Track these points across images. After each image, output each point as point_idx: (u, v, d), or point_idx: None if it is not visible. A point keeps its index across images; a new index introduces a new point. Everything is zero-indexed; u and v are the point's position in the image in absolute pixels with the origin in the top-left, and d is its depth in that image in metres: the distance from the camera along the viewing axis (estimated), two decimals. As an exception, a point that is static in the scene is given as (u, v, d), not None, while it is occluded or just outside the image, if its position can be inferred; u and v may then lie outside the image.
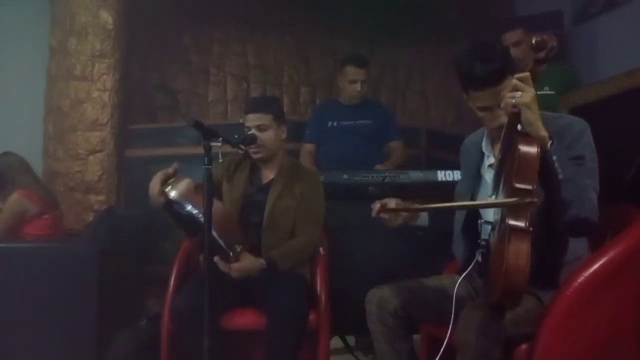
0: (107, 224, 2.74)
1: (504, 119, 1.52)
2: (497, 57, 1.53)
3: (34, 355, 2.28)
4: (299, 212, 2.15)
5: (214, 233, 1.79)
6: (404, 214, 1.65)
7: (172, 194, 1.81)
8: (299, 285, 2.03)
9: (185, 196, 1.80)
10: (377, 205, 1.59)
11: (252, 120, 2.17)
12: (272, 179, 2.20)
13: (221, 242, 1.88)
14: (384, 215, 1.60)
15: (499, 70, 1.51)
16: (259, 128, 2.15)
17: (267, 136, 2.16)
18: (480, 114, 1.60)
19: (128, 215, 3.04)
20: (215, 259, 1.87)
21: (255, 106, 2.22)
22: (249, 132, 2.14)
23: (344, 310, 2.03)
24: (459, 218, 1.74)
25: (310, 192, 2.19)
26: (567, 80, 2.82)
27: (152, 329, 2.13)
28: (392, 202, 1.60)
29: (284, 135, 2.24)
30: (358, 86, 3.08)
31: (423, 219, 1.73)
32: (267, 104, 2.24)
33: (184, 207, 1.82)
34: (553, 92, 2.76)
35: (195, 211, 1.79)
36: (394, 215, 1.62)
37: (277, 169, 2.22)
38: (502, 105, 1.47)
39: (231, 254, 1.91)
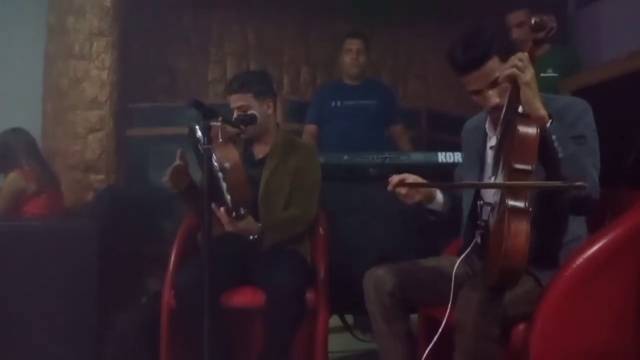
0: (106, 203, 2.74)
1: (496, 99, 1.53)
2: (479, 41, 1.53)
3: (34, 334, 2.30)
4: (294, 186, 2.13)
5: (224, 187, 1.78)
6: (423, 191, 1.64)
7: (198, 133, 1.78)
8: (298, 264, 2.04)
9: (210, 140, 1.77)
10: (394, 179, 1.58)
11: (233, 101, 2.13)
12: (266, 155, 2.18)
13: (228, 197, 1.85)
14: (400, 190, 1.59)
15: (480, 53, 1.51)
16: (241, 109, 2.11)
17: None
18: (474, 98, 1.60)
19: (128, 194, 3.04)
20: (222, 208, 1.86)
21: (233, 87, 2.15)
22: (239, 115, 2.09)
23: (343, 290, 2.04)
24: (467, 201, 1.72)
25: (304, 166, 2.16)
26: (571, 64, 2.82)
27: (152, 306, 2.15)
28: (410, 177, 1.59)
29: (270, 110, 2.18)
30: (353, 54, 3.09)
31: (437, 202, 1.71)
32: (244, 83, 2.15)
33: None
34: (556, 75, 2.75)
35: (215, 161, 1.75)
36: (411, 192, 1.61)
37: (272, 144, 2.19)
38: (499, 78, 1.47)
39: (234, 214, 1.89)
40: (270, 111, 2.18)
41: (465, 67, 1.54)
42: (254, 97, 2.13)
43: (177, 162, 2.01)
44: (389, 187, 1.58)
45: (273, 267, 1.96)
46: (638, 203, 1.52)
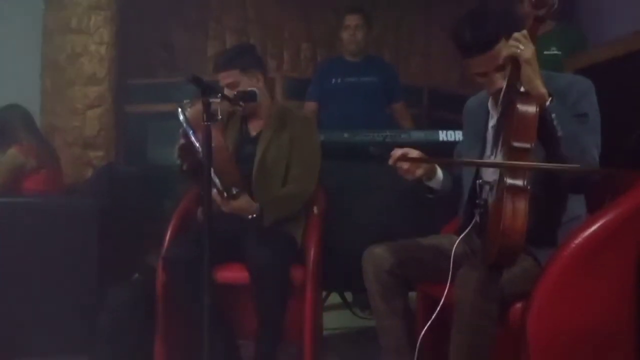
0: (105, 179, 2.74)
1: (502, 83, 1.50)
2: (488, 23, 1.49)
3: (34, 310, 2.31)
4: (291, 160, 2.09)
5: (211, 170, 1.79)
6: (424, 167, 1.62)
7: (181, 116, 1.78)
8: (283, 242, 2.01)
9: (191, 122, 1.77)
10: (397, 153, 1.56)
11: (222, 79, 2.09)
12: (261, 130, 2.14)
13: (217, 181, 1.85)
14: (401, 164, 1.58)
15: (489, 36, 1.48)
16: (229, 86, 2.07)
17: None
18: (478, 79, 1.58)
19: (127, 172, 3.03)
20: (213, 192, 1.85)
21: (219, 64, 2.11)
22: (238, 91, 2.04)
23: (342, 267, 2.05)
24: (467, 180, 1.72)
25: (301, 139, 2.12)
26: (575, 42, 2.79)
27: (147, 282, 2.15)
28: (414, 152, 1.58)
29: (260, 84, 2.13)
30: (351, 30, 3.06)
31: (437, 179, 1.70)
32: (230, 59, 2.11)
33: (188, 134, 1.80)
34: (560, 53, 2.72)
35: (197, 143, 1.76)
36: (413, 167, 1.59)
37: (266, 118, 2.15)
38: (502, 56, 1.45)
39: (225, 194, 1.89)
40: (260, 84, 2.14)
41: (472, 50, 1.50)
42: (241, 72, 2.09)
43: (182, 140, 1.97)
44: (390, 161, 1.57)
45: (257, 244, 1.94)
46: (638, 183, 1.51)
